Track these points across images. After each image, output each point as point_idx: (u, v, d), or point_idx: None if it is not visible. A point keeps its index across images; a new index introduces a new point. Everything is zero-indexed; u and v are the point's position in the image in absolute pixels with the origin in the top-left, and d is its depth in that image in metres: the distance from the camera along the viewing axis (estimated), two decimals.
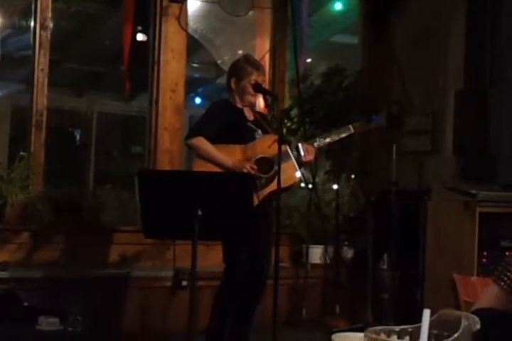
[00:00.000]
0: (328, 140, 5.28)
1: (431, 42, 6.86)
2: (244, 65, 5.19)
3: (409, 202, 6.11)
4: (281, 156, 4.67)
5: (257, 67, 5.25)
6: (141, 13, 6.83)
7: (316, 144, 5.22)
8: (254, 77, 5.15)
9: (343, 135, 5.32)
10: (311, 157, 5.20)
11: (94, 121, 9.64)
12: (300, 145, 5.18)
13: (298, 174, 5.17)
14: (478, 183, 5.82)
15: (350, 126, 5.33)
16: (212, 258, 5.92)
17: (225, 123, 5.08)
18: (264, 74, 5.39)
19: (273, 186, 4.78)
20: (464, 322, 1.64)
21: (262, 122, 5.20)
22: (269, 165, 4.95)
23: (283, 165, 4.75)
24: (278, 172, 4.57)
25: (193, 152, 5.13)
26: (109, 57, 9.38)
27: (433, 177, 6.51)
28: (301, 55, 7.53)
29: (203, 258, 5.31)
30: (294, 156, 5.08)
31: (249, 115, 5.27)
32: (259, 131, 5.18)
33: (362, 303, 6.16)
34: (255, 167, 4.97)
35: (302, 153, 5.16)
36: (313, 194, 6.65)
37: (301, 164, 5.29)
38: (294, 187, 5.47)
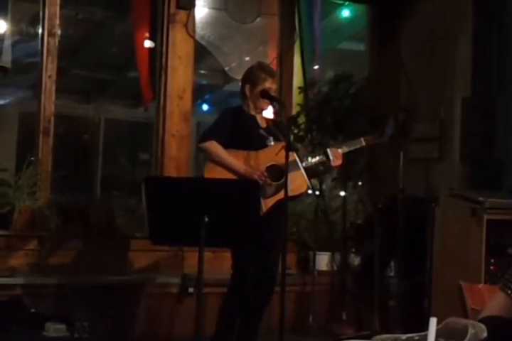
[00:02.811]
0: (339, 151, 5.31)
1: (438, 49, 6.86)
2: (259, 72, 5.24)
3: (417, 209, 6.10)
4: (291, 165, 4.70)
5: (271, 73, 5.31)
6: (149, 20, 6.84)
7: (323, 157, 5.26)
8: (269, 83, 5.20)
9: (355, 147, 5.35)
10: (339, 161, 5.25)
11: (102, 128, 9.66)
12: (329, 150, 5.23)
13: (307, 183, 5.18)
14: (485, 190, 5.82)
15: (362, 139, 5.36)
16: (219, 264, 5.92)
17: (236, 129, 5.11)
18: (276, 81, 5.46)
19: (282, 194, 4.78)
20: (470, 331, 1.64)
21: (275, 130, 5.22)
22: (279, 173, 4.96)
23: (292, 175, 4.78)
24: (285, 178, 4.58)
25: (201, 158, 5.16)
26: (116, 64, 9.41)
27: (440, 184, 6.50)
28: (314, 62, 7.56)
29: (210, 264, 5.32)
30: (301, 166, 5.10)
31: (261, 122, 5.31)
32: (271, 139, 5.21)
33: (369, 310, 6.15)
34: (265, 174, 5.00)
35: (331, 158, 5.20)
36: (320, 201, 6.65)
37: (330, 169, 5.36)
38: (303, 195, 5.49)
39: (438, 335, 1.59)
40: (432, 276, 5.81)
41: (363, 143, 5.38)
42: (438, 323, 1.64)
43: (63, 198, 6.18)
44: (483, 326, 1.69)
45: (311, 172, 5.29)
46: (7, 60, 6.24)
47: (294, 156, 4.99)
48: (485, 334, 1.66)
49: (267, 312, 5.21)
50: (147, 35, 6.88)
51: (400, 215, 6.02)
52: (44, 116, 6.11)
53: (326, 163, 5.28)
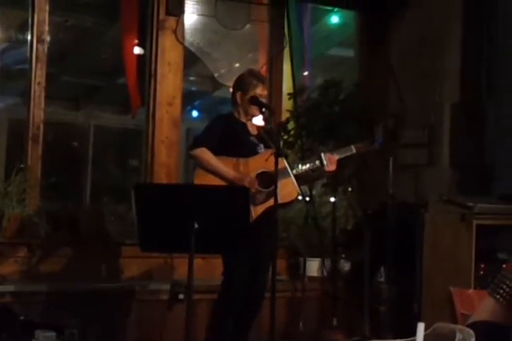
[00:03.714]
0: (334, 157, 5.32)
1: (427, 55, 6.88)
2: (250, 79, 5.26)
3: (406, 215, 6.11)
4: (281, 173, 4.70)
5: (262, 80, 5.34)
6: (137, 27, 6.84)
7: (317, 162, 5.27)
8: (259, 90, 5.22)
9: (345, 155, 5.36)
10: (333, 167, 5.26)
11: (91, 135, 9.64)
12: (323, 155, 5.24)
13: (297, 190, 5.18)
14: (474, 195, 5.84)
15: (353, 147, 5.38)
16: (209, 271, 5.91)
17: (226, 136, 5.12)
18: (267, 88, 5.47)
19: (272, 201, 4.77)
20: (458, 336, 1.64)
21: (265, 136, 5.23)
22: (269, 180, 4.96)
23: (282, 182, 4.78)
24: (275, 185, 4.58)
25: (191, 164, 5.16)
26: (106, 70, 9.40)
27: (430, 189, 6.52)
28: (303, 68, 7.58)
29: (200, 271, 5.31)
30: (292, 173, 5.10)
31: (252, 129, 5.32)
32: (262, 146, 5.22)
33: (359, 316, 6.15)
34: (255, 181, 5.00)
35: (325, 163, 5.21)
36: (310, 207, 6.65)
37: (324, 174, 5.37)
38: (293, 203, 5.48)
39: (426, 340, 1.59)
40: (422, 282, 5.81)
41: (354, 151, 5.40)
42: (426, 328, 1.64)
43: (53, 205, 6.16)
44: (471, 331, 1.69)
45: (303, 178, 5.29)
46: None
47: (284, 163, 4.99)
48: (473, 340, 1.66)
49: (257, 318, 5.21)
50: (136, 41, 6.88)
51: (389, 221, 6.03)
52: (33, 122, 6.10)
53: (319, 168, 5.29)
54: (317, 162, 5.26)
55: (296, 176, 5.13)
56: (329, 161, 5.24)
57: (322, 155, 5.27)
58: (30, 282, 5.68)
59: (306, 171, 5.28)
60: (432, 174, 6.71)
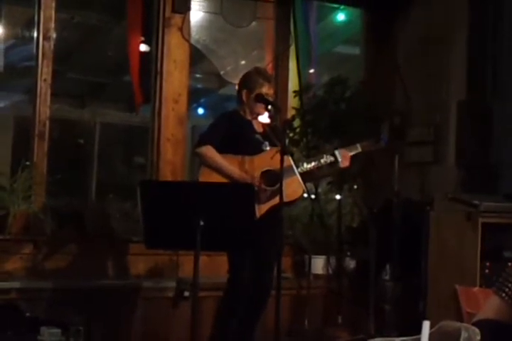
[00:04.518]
0: (348, 153, 5.32)
1: (433, 53, 6.87)
2: (256, 77, 5.26)
3: (412, 213, 6.11)
4: (286, 171, 4.70)
5: (269, 78, 5.33)
6: (143, 24, 6.85)
7: (323, 161, 5.27)
8: (266, 89, 5.21)
9: (351, 153, 5.36)
10: (347, 163, 5.26)
11: (97, 132, 9.65)
12: (337, 151, 5.24)
13: (303, 188, 5.17)
14: (480, 194, 5.82)
15: (358, 145, 5.38)
16: (215, 268, 5.92)
17: (232, 134, 5.12)
18: (273, 86, 5.47)
19: (277, 199, 4.77)
20: (463, 334, 1.64)
21: (271, 134, 5.22)
22: (274, 178, 4.96)
23: (287, 180, 4.79)
24: (280, 182, 4.57)
25: (197, 162, 5.16)
26: (112, 68, 9.40)
27: (435, 187, 6.52)
28: (309, 65, 7.59)
29: (205, 268, 5.32)
30: (297, 171, 5.09)
31: (257, 127, 5.31)
32: (267, 143, 5.21)
33: (364, 314, 6.14)
34: (259, 180, 5.00)
35: (340, 159, 5.21)
36: (315, 204, 6.65)
37: (339, 170, 5.38)
38: (298, 201, 5.48)
39: (431, 338, 1.59)
40: (427, 280, 5.81)
41: (359, 149, 5.40)
42: (432, 326, 1.64)
43: (58, 202, 6.16)
44: (476, 329, 1.69)
45: (309, 176, 5.30)
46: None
47: (289, 161, 4.99)
48: (478, 338, 1.66)
49: (263, 315, 5.21)
50: (142, 39, 6.88)
51: (395, 219, 6.03)
52: (39, 120, 6.10)
53: (333, 164, 5.30)
54: (331, 158, 5.26)
55: (301, 174, 5.13)
56: (343, 157, 5.25)
57: (336, 151, 5.28)
58: (35, 279, 5.69)
59: (312, 169, 5.28)
60: (437, 172, 6.71)
